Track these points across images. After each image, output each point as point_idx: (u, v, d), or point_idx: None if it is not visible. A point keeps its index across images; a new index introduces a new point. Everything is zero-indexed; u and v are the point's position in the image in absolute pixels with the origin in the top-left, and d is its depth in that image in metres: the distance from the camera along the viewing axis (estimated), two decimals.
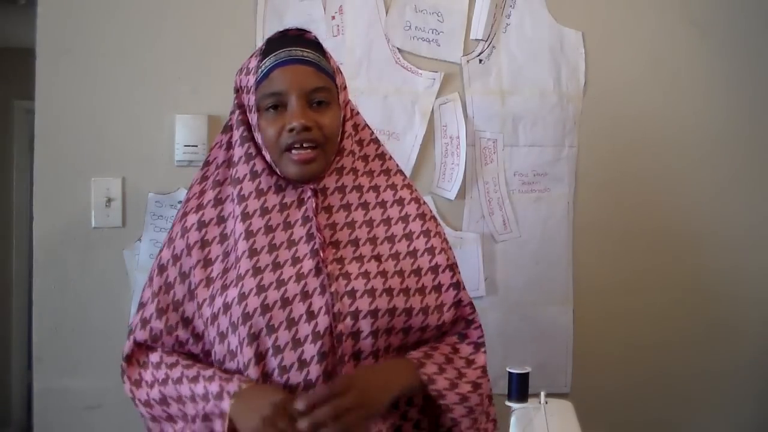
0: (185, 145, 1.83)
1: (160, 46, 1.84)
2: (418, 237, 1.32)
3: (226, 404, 1.17)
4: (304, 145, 1.22)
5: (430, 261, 1.31)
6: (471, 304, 1.34)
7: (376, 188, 1.33)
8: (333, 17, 1.90)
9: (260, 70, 1.24)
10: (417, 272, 1.29)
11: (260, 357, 1.20)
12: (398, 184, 1.35)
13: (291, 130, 1.21)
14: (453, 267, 1.33)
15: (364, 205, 1.31)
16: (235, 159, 1.28)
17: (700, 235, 2.08)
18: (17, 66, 2.66)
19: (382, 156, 1.36)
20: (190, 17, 1.85)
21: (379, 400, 1.19)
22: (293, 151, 1.23)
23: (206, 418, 1.19)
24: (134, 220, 1.83)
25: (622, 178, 2.04)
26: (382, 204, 1.33)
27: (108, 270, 1.82)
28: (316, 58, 1.26)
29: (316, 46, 1.28)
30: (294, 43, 1.26)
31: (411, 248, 1.31)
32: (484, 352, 1.32)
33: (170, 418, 1.26)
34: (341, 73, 1.32)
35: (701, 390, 2.10)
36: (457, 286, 1.32)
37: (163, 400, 1.25)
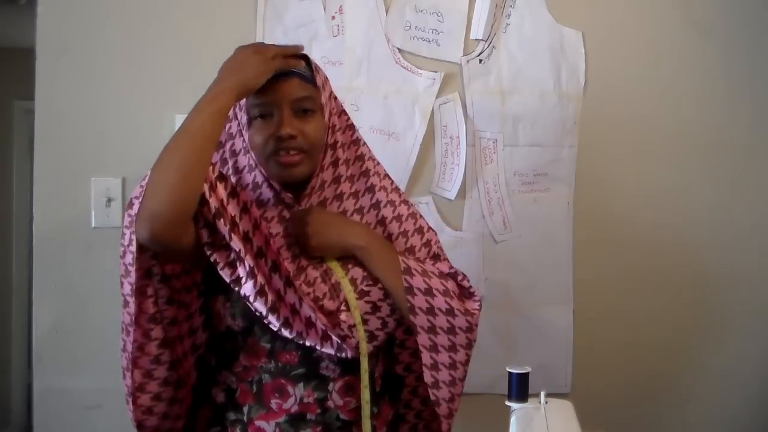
0: None
1: (160, 46, 1.84)
2: (407, 219, 1.42)
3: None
4: (290, 151, 1.30)
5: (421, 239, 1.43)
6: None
7: (355, 194, 1.40)
8: (333, 17, 1.90)
9: None
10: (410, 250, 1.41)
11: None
12: (376, 184, 1.41)
13: (278, 138, 1.29)
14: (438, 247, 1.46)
15: (359, 210, 1.39)
16: (240, 166, 1.34)
17: (700, 235, 2.07)
18: (17, 66, 2.65)
19: (361, 157, 1.41)
20: (190, 17, 1.85)
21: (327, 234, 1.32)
22: (280, 153, 1.30)
23: None
24: None
25: (622, 178, 2.04)
26: (376, 205, 1.41)
27: (108, 270, 1.80)
28: (302, 69, 1.32)
29: (304, 58, 1.35)
30: None
31: (402, 229, 1.41)
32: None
33: None
34: (328, 82, 1.37)
35: (701, 390, 2.10)
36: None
37: None
